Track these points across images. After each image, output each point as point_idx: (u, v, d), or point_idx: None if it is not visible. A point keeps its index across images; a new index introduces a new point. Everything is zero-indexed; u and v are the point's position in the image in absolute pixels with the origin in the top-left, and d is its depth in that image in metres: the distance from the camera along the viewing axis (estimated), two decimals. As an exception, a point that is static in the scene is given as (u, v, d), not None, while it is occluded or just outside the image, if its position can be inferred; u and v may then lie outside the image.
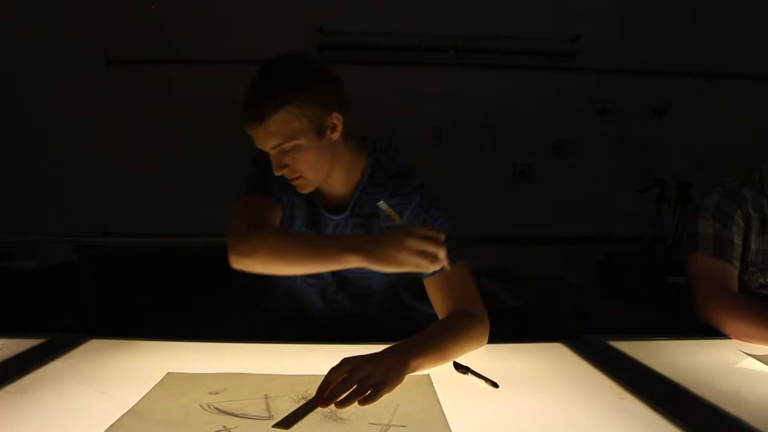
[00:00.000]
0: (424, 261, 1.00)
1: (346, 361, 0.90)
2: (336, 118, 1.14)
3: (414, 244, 0.99)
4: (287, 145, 1.10)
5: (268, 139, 1.10)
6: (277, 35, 2.92)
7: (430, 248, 0.99)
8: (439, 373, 1.00)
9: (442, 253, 1.01)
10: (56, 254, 2.60)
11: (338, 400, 0.82)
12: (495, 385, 0.94)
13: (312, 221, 1.24)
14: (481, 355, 1.13)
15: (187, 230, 2.69)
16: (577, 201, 3.08)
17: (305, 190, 1.18)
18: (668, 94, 3.12)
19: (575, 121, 3.14)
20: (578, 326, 1.94)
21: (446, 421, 0.78)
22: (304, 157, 1.12)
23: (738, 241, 1.38)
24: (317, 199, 1.24)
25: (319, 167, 1.15)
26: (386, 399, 0.86)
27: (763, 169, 1.45)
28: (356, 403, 0.83)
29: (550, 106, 3.10)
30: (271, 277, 1.26)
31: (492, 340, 1.20)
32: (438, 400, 0.86)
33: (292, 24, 2.92)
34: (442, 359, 1.02)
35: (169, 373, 0.97)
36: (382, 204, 1.09)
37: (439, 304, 1.18)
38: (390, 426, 0.77)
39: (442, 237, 1.02)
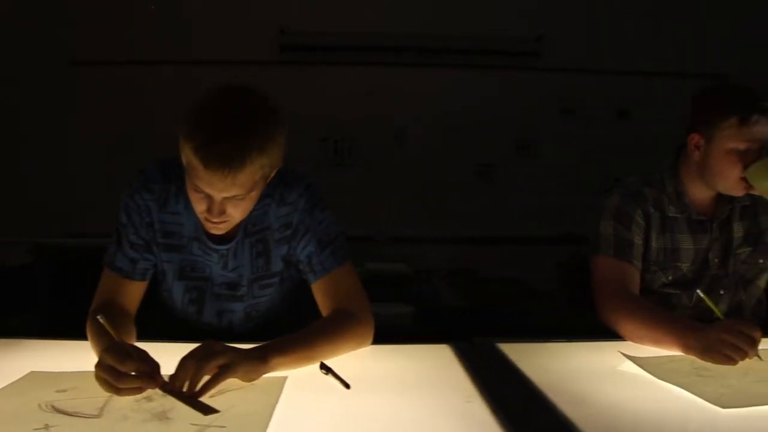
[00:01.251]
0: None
1: (209, 345, 0.91)
2: (277, 168, 1.11)
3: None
4: (244, 196, 1.04)
5: (230, 189, 1.01)
6: (239, 36, 2.94)
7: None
8: (307, 372, 1.00)
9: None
10: (15, 255, 2.62)
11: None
12: (347, 386, 0.94)
13: (200, 259, 1.19)
14: (363, 355, 1.14)
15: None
16: (540, 201, 3.06)
17: (222, 232, 1.12)
18: (632, 95, 3.10)
19: (538, 122, 3.12)
20: (515, 326, 1.94)
21: (266, 424, 0.78)
22: (245, 205, 1.08)
23: (638, 241, 1.38)
24: (201, 235, 1.18)
25: (249, 210, 1.11)
26: (227, 399, 0.87)
27: (664, 168, 1.45)
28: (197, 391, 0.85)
29: (513, 106, 3.09)
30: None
31: (392, 341, 1.20)
32: (275, 402, 0.86)
33: (253, 25, 2.94)
34: (310, 359, 1.03)
35: (32, 371, 0.98)
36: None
37: (324, 305, 1.18)
38: (209, 426, 0.77)
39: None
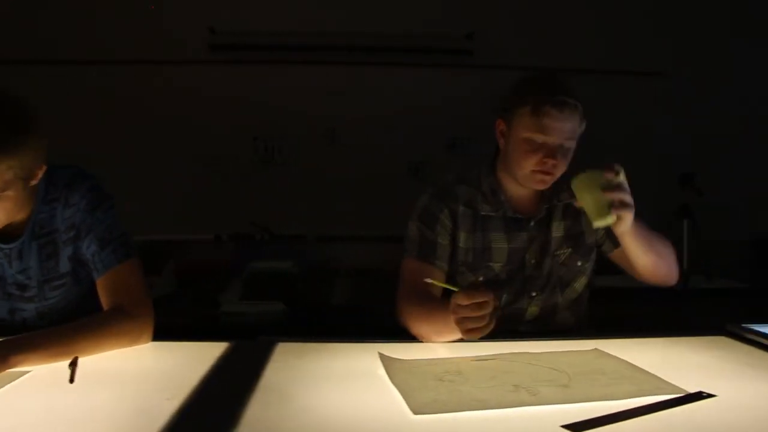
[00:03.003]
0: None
1: None
2: (41, 169, 1.15)
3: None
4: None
5: None
6: (168, 36, 2.97)
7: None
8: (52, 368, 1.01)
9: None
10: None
11: None
12: (71, 381, 0.95)
13: None
14: (145, 353, 1.15)
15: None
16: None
17: None
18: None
19: (471, 119, 3.06)
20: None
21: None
22: (5, 205, 1.12)
23: (443, 241, 1.35)
24: None
25: (14, 212, 1.16)
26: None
27: (483, 166, 1.41)
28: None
29: (445, 103, 3.04)
30: None
31: (192, 338, 1.21)
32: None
33: (183, 24, 2.96)
34: (67, 354, 1.03)
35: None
36: None
37: (104, 303, 1.19)
38: None
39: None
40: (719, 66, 3.10)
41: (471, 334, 1.00)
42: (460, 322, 1.00)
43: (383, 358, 1.06)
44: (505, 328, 1.35)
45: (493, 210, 1.37)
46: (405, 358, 1.08)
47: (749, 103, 3.11)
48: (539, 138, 1.24)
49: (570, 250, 1.38)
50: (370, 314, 2.13)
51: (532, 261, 1.37)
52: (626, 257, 1.33)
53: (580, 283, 1.41)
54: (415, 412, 0.83)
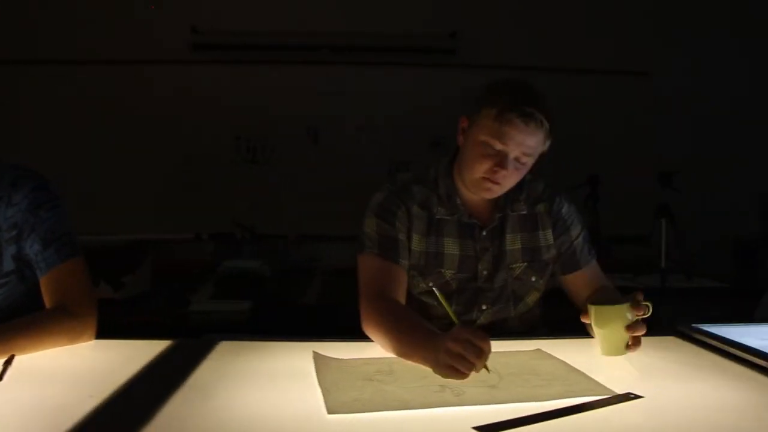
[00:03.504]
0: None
1: None
2: None
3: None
4: None
5: None
6: (151, 35, 2.98)
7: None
8: None
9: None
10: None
11: None
12: (0, 378, 0.95)
13: None
14: (84, 351, 1.15)
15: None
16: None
17: None
18: (549, 91, 3.00)
19: (454, 118, 3.03)
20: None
21: None
22: None
23: (403, 238, 1.30)
24: None
25: None
26: None
27: (439, 166, 1.38)
28: None
29: (428, 103, 3.02)
30: None
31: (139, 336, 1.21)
32: None
33: (165, 24, 2.97)
34: (3, 352, 1.02)
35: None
36: None
37: (47, 302, 1.19)
38: None
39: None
40: (702, 66, 3.07)
41: (450, 371, 0.93)
42: (450, 356, 0.92)
43: (317, 357, 1.06)
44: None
45: (448, 214, 1.32)
46: (342, 357, 1.07)
47: (733, 103, 3.08)
48: (496, 145, 1.19)
49: (525, 264, 1.34)
50: (342, 314, 2.12)
51: (485, 272, 1.32)
52: (573, 283, 1.35)
53: (532, 298, 1.37)
54: (330, 412, 0.83)
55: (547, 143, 1.26)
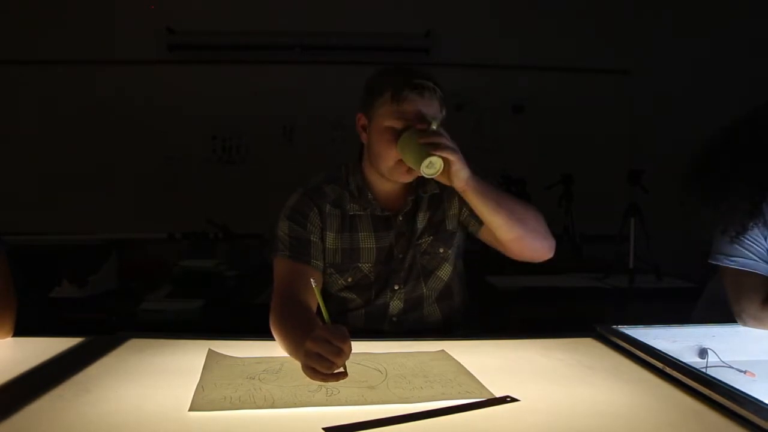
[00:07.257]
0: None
1: None
2: None
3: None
4: None
5: None
6: (126, 36, 3.02)
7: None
8: None
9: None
10: None
11: None
12: None
13: None
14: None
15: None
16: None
17: None
18: (525, 90, 2.98)
19: (428, 117, 3.04)
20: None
21: None
22: None
23: (315, 239, 1.32)
24: None
25: None
26: None
27: (350, 166, 1.39)
28: None
29: (402, 102, 3.03)
30: None
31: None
32: None
33: (141, 24, 3.01)
34: None
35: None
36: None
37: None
38: None
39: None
40: (678, 65, 3.02)
41: (310, 372, 0.92)
42: (308, 356, 0.92)
43: (210, 354, 1.06)
44: (368, 328, 1.34)
45: (360, 209, 1.34)
46: (237, 356, 1.08)
47: (710, 103, 3.01)
48: (400, 125, 1.22)
49: (431, 237, 1.35)
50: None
51: (400, 256, 1.34)
52: (490, 231, 1.29)
53: (444, 272, 1.37)
54: (191, 409, 0.83)
55: (444, 111, 1.28)
